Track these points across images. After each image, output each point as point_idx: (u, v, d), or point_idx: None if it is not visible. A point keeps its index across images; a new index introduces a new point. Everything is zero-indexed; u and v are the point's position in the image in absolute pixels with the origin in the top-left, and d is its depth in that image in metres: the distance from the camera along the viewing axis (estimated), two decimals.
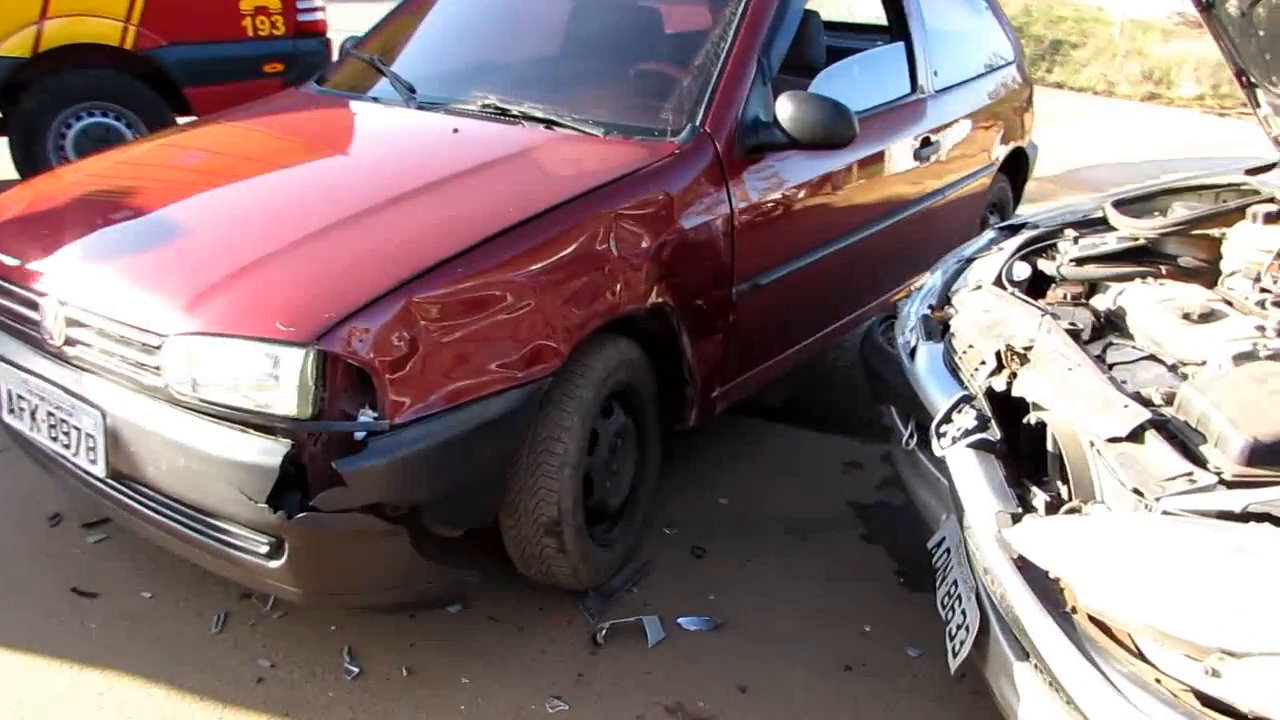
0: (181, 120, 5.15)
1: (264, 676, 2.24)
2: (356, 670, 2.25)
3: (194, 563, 2.23)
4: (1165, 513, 1.48)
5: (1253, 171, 2.60)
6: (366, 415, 1.94)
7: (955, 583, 2.09)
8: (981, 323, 2.20)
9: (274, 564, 1.98)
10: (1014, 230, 2.67)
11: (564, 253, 2.20)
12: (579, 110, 2.70)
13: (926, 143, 3.47)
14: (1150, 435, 1.61)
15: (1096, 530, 1.52)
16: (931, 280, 2.63)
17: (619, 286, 2.30)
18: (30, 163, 5.02)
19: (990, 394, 2.03)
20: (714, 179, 2.57)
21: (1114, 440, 1.63)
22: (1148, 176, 7.20)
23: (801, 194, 2.85)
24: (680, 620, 2.43)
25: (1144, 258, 2.45)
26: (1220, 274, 2.34)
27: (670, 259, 2.45)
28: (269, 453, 1.89)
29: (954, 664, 1.94)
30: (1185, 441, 1.59)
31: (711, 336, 2.67)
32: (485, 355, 2.06)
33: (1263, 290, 2.11)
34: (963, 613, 2.00)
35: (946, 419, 2.03)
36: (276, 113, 3.17)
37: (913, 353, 2.33)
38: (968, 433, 1.94)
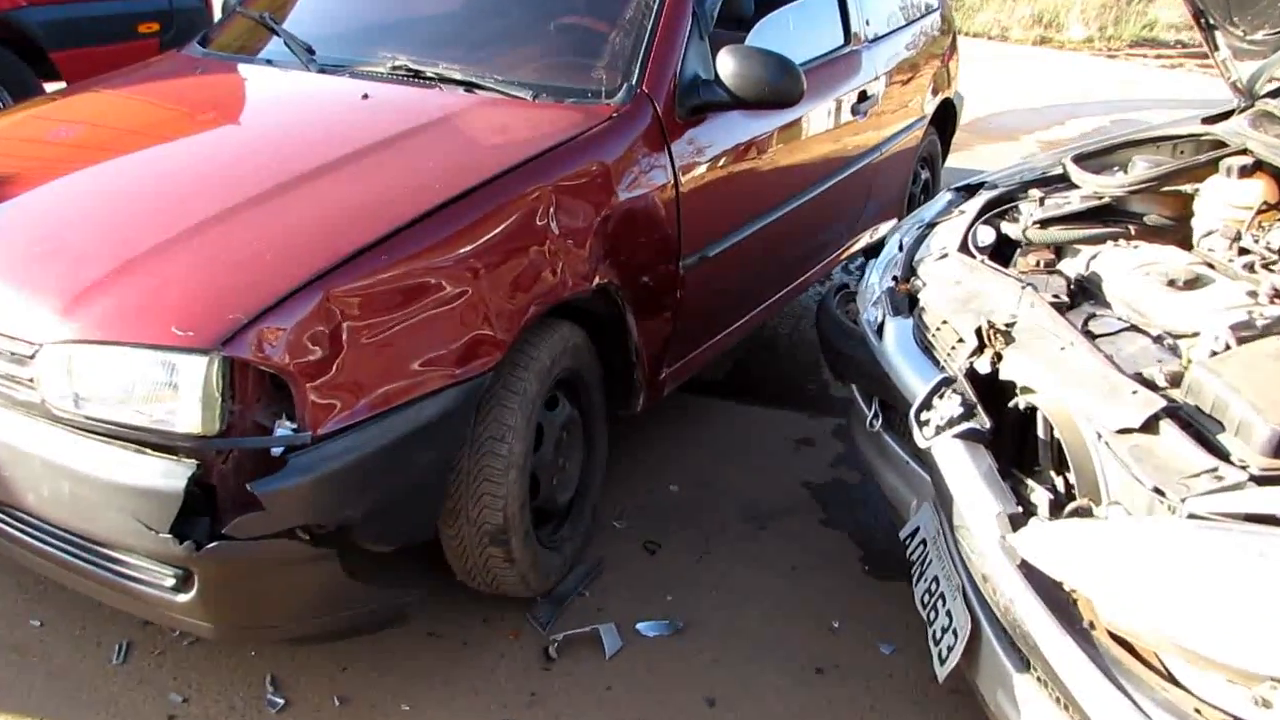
0: (50, 88, 4.68)
1: (175, 714, 1.99)
2: (281, 702, 2.02)
3: (89, 596, 1.96)
4: (1192, 516, 1.35)
5: (1209, 120, 2.50)
6: (284, 428, 1.69)
7: (936, 580, 1.96)
8: (954, 296, 2.06)
9: (182, 598, 1.73)
10: (972, 191, 2.54)
11: (500, 232, 1.97)
12: (503, 71, 2.45)
13: (864, 97, 3.31)
14: (1165, 425, 1.48)
15: (1118, 538, 1.38)
16: (890, 248, 2.48)
17: (561, 267, 2.08)
18: None
19: (971, 375, 1.89)
20: (654, 144, 2.36)
21: (1124, 431, 1.49)
22: (1054, 121, 7.31)
23: (745, 157, 2.66)
24: (639, 626, 2.25)
25: (1109, 217, 2.33)
26: (1191, 232, 2.23)
27: (613, 234, 2.23)
28: (171, 475, 1.63)
29: (941, 672, 1.81)
30: (1202, 431, 1.47)
31: (659, 315, 2.47)
32: (417, 352, 1.83)
33: (1243, 251, 2.00)
34: (948, 614, 1.86)
35: (927, 405, 1.89)
36: (158, 79, 2.82)
37: (879, 329, 2.18)
38: (953, 421, 1.79)
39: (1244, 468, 1.38)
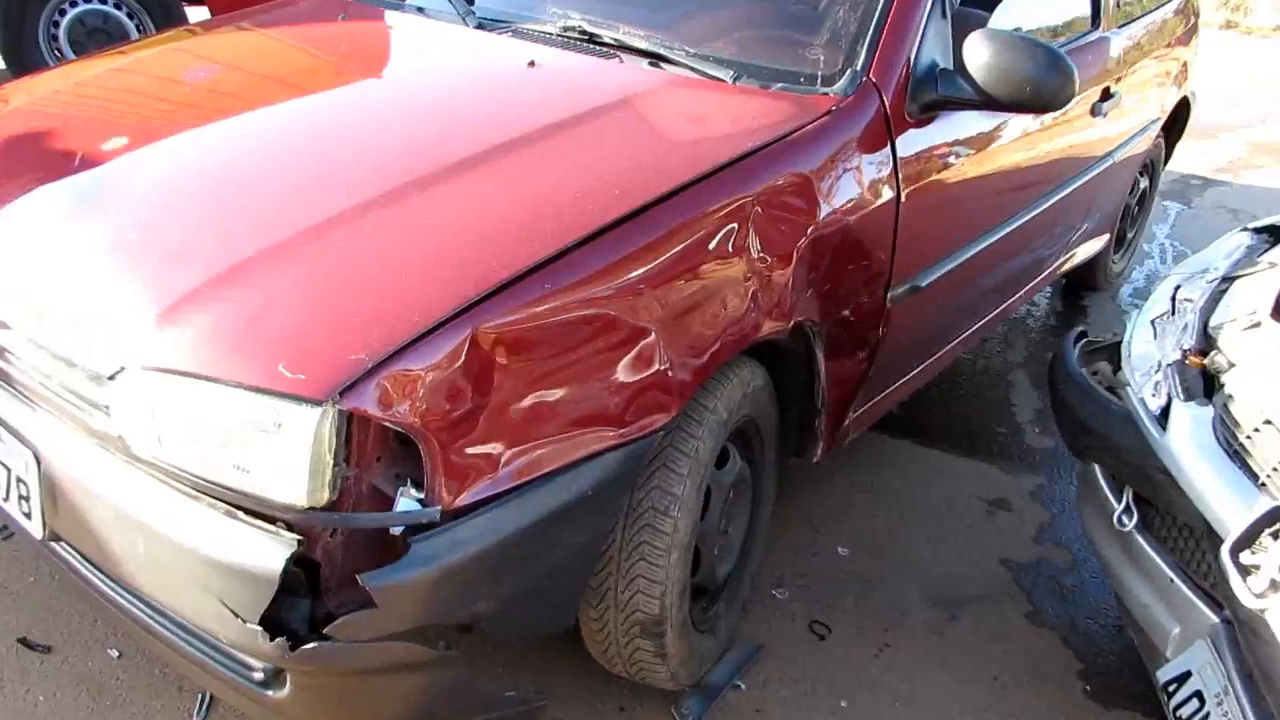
0: (195, 17, 4.44)
1: None
2: None
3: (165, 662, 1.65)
4: None
5: None
6: (409, 498, 1.32)
7: None
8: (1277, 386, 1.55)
9: (272, 694, 1.39)
10: (1277, 234, 1.99)
11: (690, 257, 1.55)
12: (697, 42, 2.00)
13: (1107, 95, 2.75)
14: None
15: None
16: (1161, 299, 1.96)
17: (758, 302, 1.65)
18: (17, 55, 4.35)
19: None
20: (877, 147, 1.89)
21: None
22: (1255, 118, 6.47)
23: (976, 166, 2.16)
24: None
25: None
26: None
27: (818, 258, 1.78)
28: (265, 553, 1.27)
29: None
30: None
31: (855, 354, 2.02)
32: (577, 407, 1.43)
33: None
34: None
35: (1249, 542, 1.40)
36: (298, 22, 2.45)
37: (1163, 415, 1.68)
38: None
39: None
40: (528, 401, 1.37)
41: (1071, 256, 3.13)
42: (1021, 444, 2.83)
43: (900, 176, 1.91)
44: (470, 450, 1.33)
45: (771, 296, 1.67)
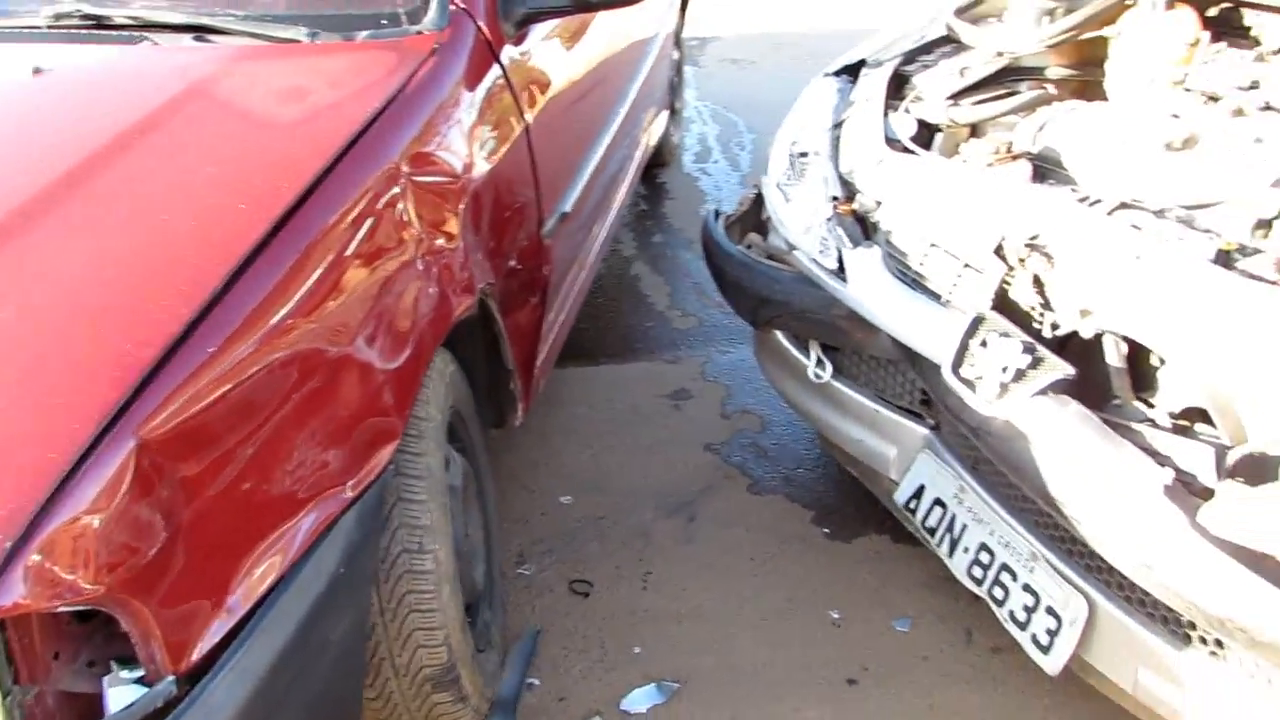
0: None
1: None
2: None
3: None
4: None
5: None
6: (123, 683, 0.98)
7: (986, 549, 1.63)
8: (930, 210, 1.67)
9: None
10: (852, 73, 2.13)
11: (360, 254, 1.29)
12: (246, 2, 1.65)
13: None
14: None
15: None
16: (780, 160, 2.03)
17: (444, 281, 1.43)
18: None
19: (1000, 307, 1.53)
20: (493, 78, 1.71)
21: None
22: None
23: (575, 72, 2.06)
24: (624, 706, 1.75)
25: (1008, 78, 2.03)
26: (1099, 82, 1.98)
27: (479, 214, 1.60)
28: None
29: (1052, 662, 1.49)
30: None
31: (528, 302, 1.88)
32: (293, 477, 1.15)
33: (1213, 98, 1.76)
34: (1029, 592, 1.54)
35: (963, 356, 1.50)
36: None
37: (840, 269, 1.74)
38: (1022, 374, 1.42)
39: None
40: (234, 498, 1.07)
41: (650, 137, 3.19)
42: (671, 330, 2.89)
43: (520, 103, 1.76)
44: (183, 590, 1.01)
45: (453, 273, 1.46)
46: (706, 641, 1.87)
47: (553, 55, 1.96)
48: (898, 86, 2.03)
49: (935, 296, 1.62)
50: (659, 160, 3.82)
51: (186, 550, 1.01)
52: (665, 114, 3.50)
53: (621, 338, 2.86)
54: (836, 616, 1.92)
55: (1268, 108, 1.67)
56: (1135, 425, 1.38)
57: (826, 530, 2.14)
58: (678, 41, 3.82)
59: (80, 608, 0.94)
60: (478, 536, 1.76)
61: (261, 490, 1.10)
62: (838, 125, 1.96)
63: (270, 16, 1.64)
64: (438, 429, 1.49)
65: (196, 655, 1.01)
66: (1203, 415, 1.37)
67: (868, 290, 1.68)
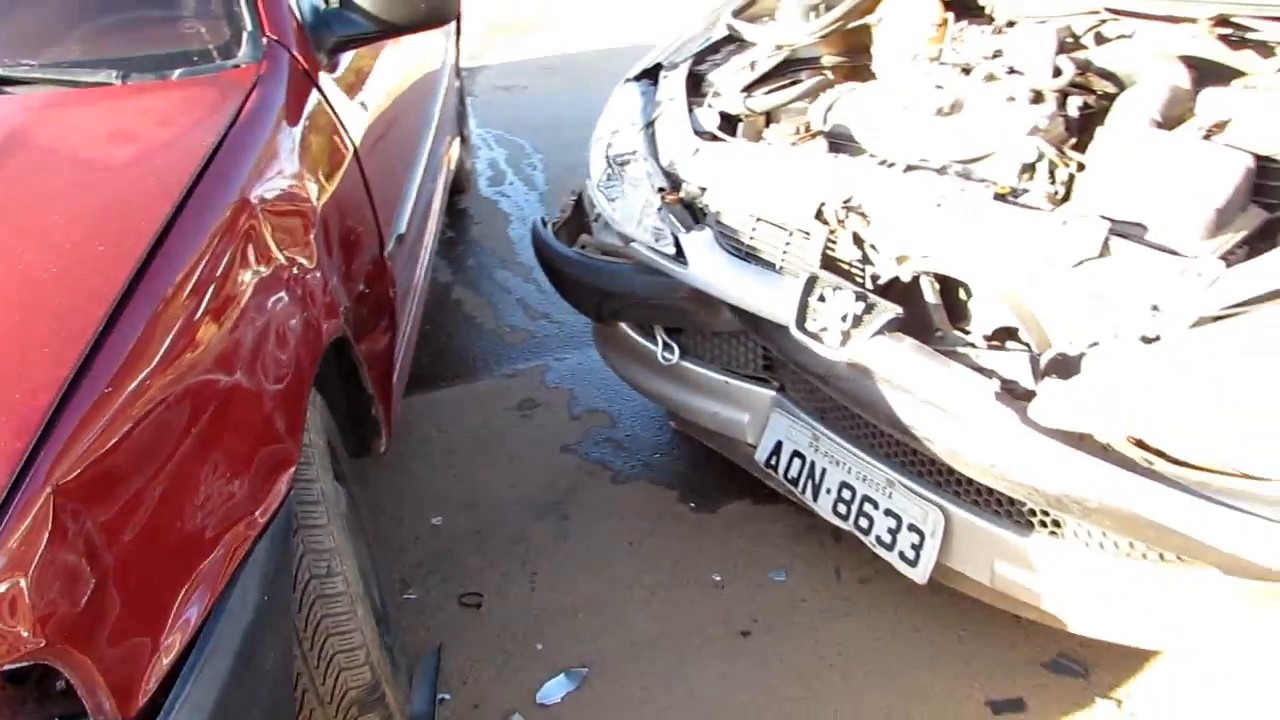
0: None
1: None
2: None
3: None
4: (1209, 318, 1.32)
5: None
6: None
7: (847, 487, 1.80)
8: (751, 189, 1.82)
9: None
10: (651, 77, 2.27)
11: (229, 284, 1.28)
12: (27, 49, 1.58)
13: None
14: (1116, 243, 1.43)
15: (1167, 359, 1.30)
16: (600, 164, 2.14)
17: (312, 304, 1.44)
18: None
19: (827, 265, 1.69)
20: (316, 105, 1.72)
21: (1081, 263, 1.42)
22: None
23: (390, 95, 2.10)
24: (540, 698, 1.79)
25: (791, 68, 2.24)
26: (867, 65, 2.22)
27: (329, 240, 1.60)
28: None
29: (919, 572, 1.68)
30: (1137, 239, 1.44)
31: (378, 325, 1.89)
32: (208, 511, 1.13)
33: (966, 70, 2.01)
34: (891, 515, 1.72)
35: (805, 313, 1.65)
36: None
37: (678, 253, 1.87)
38: (860, 319, 1.59)
39: (1198, 258, 1.39)
40: (152, 535, 1.05)
41: (450, 162, 3.23)
42: (505, 347, 2.93)
43: (345, 128, 1.78)
44: (120, 634, 0.99)
45: (317, 297, 1.47)
46: (604, 626, 1.94)
47: (364, 82, 1.98)
48: (695, 85, 2.20)
49: (769, 265, 1.78)
50: (458, 187, 3.85)
51: (117, 593, 0.99)
52: (458, 141, 3.55)
53: (458, 360, 2.88)
54: (718, 579, 2.04)
55: (1012, 71, 1.93)
56: (960, 350, 1.58)
57: (692, 504, 2.26)
58: (458, 71, 3.88)
59: (19, 665, 0.90)
60: (365, 559, 1.75)
61: (177, 524, 1.08)
62: (649, 124, 2.10)
63: (71, 63, 1.58)
64: (323, 454, 1.49)
65: (143, 698, 0.99)
66: (1011, 333, 1.60)
67: (709, 269, 1.81)
